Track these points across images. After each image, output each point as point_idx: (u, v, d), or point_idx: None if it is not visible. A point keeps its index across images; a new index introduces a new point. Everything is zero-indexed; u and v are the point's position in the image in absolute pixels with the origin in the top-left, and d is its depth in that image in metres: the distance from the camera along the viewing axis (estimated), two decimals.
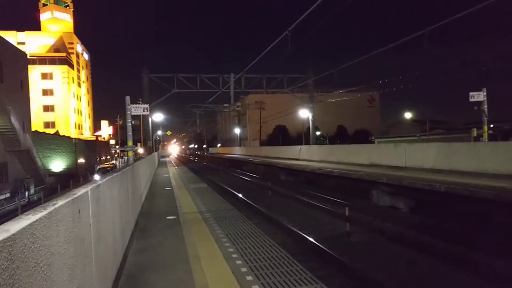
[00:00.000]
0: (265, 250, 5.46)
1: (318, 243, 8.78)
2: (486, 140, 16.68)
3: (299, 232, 9.94)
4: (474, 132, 21.42)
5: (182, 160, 64.83)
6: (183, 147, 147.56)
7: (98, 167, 40.85)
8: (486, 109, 16.75)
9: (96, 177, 25.32)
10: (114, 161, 51.29)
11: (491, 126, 26.44)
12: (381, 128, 59.63)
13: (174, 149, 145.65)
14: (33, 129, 37.03)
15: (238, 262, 4.91)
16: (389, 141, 38.29)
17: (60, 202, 2.19)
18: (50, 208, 1.96)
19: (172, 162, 45.30)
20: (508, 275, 6.48)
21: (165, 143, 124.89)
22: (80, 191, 2.73)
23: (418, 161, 14.94)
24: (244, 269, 4.61)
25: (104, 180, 3.87)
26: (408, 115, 46.29)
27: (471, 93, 16.87)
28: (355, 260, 7.61)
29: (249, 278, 4.31)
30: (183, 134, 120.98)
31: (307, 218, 12.32)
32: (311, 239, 9.18)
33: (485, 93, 16.79)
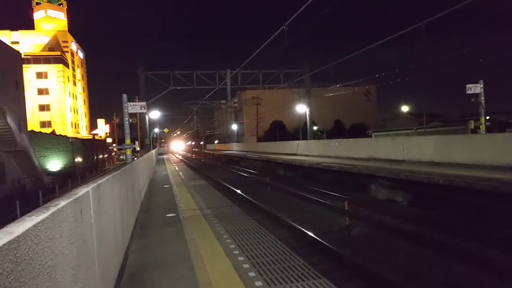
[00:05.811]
0: (266, 245, 5.47)
1: (319, 237, 8.80)
2: (484, 132, 16.71)
3: (299, 227, 9.96)
4: (472, 125, 21.49)
5: (181, 158, 64.71)
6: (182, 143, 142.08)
7: None
8: (483, 101, 16.77)
9: None
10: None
11: (487, 118, 26.51)
12: (378, 121, 59.61)
13: (176, 146, 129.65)
14: (29, 128, 36.84)
15: (240, 258, 4.91)
16: (386, 135, 38.37)
17: (62, 202, 2.17)
18: (52, 209, 1.94)
19: (170, 159, 45.19)
20: (506, 266, 6.52)
21: (162, 140, 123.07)
22: (82, 191, 2.71)
23: (416, 154, 14.98)
24: (246, 265, 4.61)
25: (105, 179, 3.85)
26: (404, 108, 46.33)
27: (468, 85, 16.84)
28: (355, 254, 7.64)
29: (251, 274, 4.31)
30: (181, 131, 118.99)
31: (307, 213, 12.33)
32: (311, 234, 9.20)
33: (482, 85, 16.79)
